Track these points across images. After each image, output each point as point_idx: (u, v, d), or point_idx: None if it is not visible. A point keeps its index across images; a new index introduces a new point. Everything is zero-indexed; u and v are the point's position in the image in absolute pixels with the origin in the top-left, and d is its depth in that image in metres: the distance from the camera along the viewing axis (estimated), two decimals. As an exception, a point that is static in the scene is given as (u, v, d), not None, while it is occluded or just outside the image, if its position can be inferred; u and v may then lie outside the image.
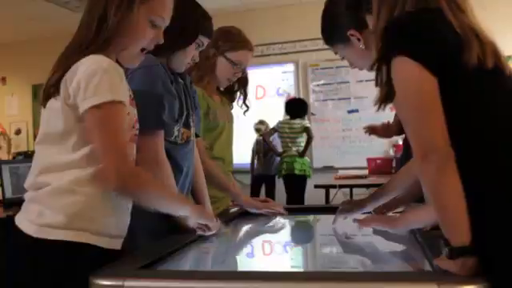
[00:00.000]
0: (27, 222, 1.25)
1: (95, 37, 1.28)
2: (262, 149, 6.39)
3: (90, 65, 1.23)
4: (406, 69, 1.08)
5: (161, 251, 1.33)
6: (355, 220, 1.64)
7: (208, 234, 1.55)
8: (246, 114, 2.45)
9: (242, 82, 2.40)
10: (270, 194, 6.26)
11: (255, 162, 6.46)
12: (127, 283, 1.07)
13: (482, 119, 1.09)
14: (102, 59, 1.24)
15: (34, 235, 1.22)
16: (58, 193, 1.24)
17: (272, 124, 6.21)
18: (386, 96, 1.16)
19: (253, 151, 6.51)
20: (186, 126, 1.80)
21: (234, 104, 2.46)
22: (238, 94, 2.43)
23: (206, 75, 2.24)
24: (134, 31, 1.31)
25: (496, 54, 1.13)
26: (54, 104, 1.27)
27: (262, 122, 6.41)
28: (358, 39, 1.53)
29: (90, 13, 1.31)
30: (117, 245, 1.32)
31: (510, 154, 1.06)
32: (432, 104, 1.06)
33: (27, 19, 6.76)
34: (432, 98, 1.06)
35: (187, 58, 1.76)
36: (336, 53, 1.67)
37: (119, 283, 1.07)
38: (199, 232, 1.54)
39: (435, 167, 1.02)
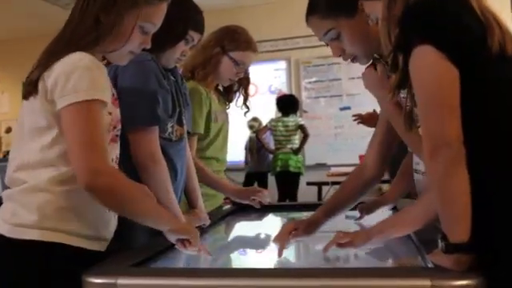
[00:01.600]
0: (1, 221, 1.23)
1: (87, 35, 1.26)
2: (255, 146, 6.40)
3: (70, 61, 1.20)
4: (428, 59, 1.04)
5: (154, 249, 1.33)
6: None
7: (189, 250, 1.32)
8: (237, 111, 2.44)
9: (244, 83, 2.37)
10: None
11: (248, 159, 6.47)
12: (120, 281, 1.06)
13: (501, 109, 1.07)
14: (84, 56, 1.22)
15: (7, 235, 1.20)
16: (32, 191, 1.22)
17: (264, 122, 6.22)
18: (400, 83, 1.13)
19: (246, 148, 6.51)
20: (179, 122, 1.80)
21: (231, 103, 2.44)
22: (237, 94, 2.40)
23: (209, 74, 2.23)
24: (123, 35, 1.29)
25: None
26: (33, 99, 1.24)
27: (255, 119, 6.41)
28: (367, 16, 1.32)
29: (85, 12, 1.28)
30: (97, 246, 1.28)
31: None
32: (451, 98, 1.03)
33: (17, 17, 6.72)
34: (452, 92, 1.03)
35: (176, 54, 1.74)
36: (328, 30, 1.43)
37: (112, 281, 1.06)
38: (179, 247, 1.34)
39: (446, 162, 1.00)
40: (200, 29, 1.78)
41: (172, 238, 1.32)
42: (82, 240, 1.24)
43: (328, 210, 1.55)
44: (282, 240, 1.44)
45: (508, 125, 1.06)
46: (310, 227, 1.50)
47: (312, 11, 1.46)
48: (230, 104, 2.43)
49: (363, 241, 1.31)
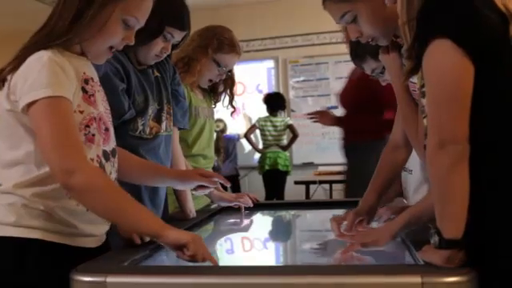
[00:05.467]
0: None
1: (67, 30, 1.24)
2: (224, 147, 6.21)
3: (29, 61, 1.19)
4: (446, 54, 1.03)
5: (145, 246, 1.32)
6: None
7: (187, 259, 1.16)
8: (224, 110, 2.43)
9: (229, 84, 2.37)
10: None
11: (219, 162, 6.14)
12: (109, 279, 1.05)
13: None
14: (43, 54, 1.20)
15: None
16: (4, 193, 1.22)
17: (253, 120, 6.20)
18: (413, 69, 1.12)
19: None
20: (157, 120, 1.78)
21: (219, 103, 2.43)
22: (223, 94, 2.39)
23: (190, 72, 2.21)
24: (105, 28, 1.26)
25: None
26: (1, 98, 1.24)
27: (220, 120, 6.25)
28: None
29: (65, 5, 1.26)
30: (82, 243, 1.27)
31: None
32: (464, 95, 1.02)
33: (1, 13, 6.64)
34: (466, 89, 1.03)
35: (153, 50, 1.69)
36: (345, 13, 1.38)
37: (101, 279, 1.05)
38: (178, 256, 1.18)
39: (451, 158, 1.00)
40: (180, 25, 1.70)
41: (166, 244, 1.19)
42: (60, 236, 1.23)
43: (378, 190, 1.56)
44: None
45: None
46: (370, 213, 1.53)
47: None
48: (216, 104, 2.42)
49: (388, 237, 1.28)
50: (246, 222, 1.99)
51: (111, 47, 1.32)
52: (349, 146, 3.37)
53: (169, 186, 1.80)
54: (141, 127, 1.71)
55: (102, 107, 1.34)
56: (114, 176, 1.36)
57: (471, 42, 1.02)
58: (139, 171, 1.56)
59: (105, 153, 1.32)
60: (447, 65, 1.03)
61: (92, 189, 1.16)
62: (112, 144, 1.36)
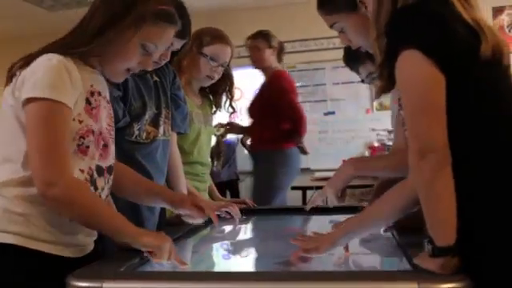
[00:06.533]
0: None
1: (86, 43, 1.25)
2: (224, 151, 6.20)
3: (39, 61, 1.20)
4: (415, 64, 1.05)
5: (140, 252, 1.31)
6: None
7: (154, 261, 1.27)
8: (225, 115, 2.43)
9: (227, 83, 2.35)
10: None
11: (219, 167, 6.20)
12: (106, 285, 1.05)
13: (487, 114, 1.08)
14: (54, 56, 1.21)
15: None
16: None
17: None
18: (386, 87, 1.15)
19: (212, 156, 6.11)
20: (154, 124, 1.77)
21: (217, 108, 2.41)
22: (224, 97, 2.37)
23: (184, 74, 2.21)
24: (124, 51, 1.28)
25: (501, 47, 1.11)
26: (6, 93, 1.24)
27: (221, 125, 6.22)
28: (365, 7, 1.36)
29: (91, 19, 1.28)
30: (66, 252, 1.25)
31: None
32: (438, 104, 1.04)
33: (0, 17, 6.63)
34: (439, 97, 1.04)
35: (151, 58, 1.70)
36: (333, 24, 1.53)
37: (97, 285, 1.05)
38: (146, 255, 1.28)
39: (432, 167, 1.01)
40: (180, 34, 1.70)
41: (138, 247, 1.27)
42: (37, 243, 1.21)
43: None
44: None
45: (496, 130, 1.07)
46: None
47: (318, 7, 1.57)
48: (217, 109, 2.40)
49: (328, 245, 1.30)
50: (241, 227, 1.98)
51: (128, 69, 1.33)
52: (253, 154, 3.81)
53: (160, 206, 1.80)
54: (137, 132, 1.71)
55: (105, 123, 1.33)
56: (105, 192, 1.35)
57: (440, 53, 1.04)
58: (133, 189, 1.56)
59: (99, 168, 1.31)
60: (417, 75, 1.05)
61: (68, 202, 1.18)
62: (110, 161, 1.36)
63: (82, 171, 1.26)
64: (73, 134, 1.23)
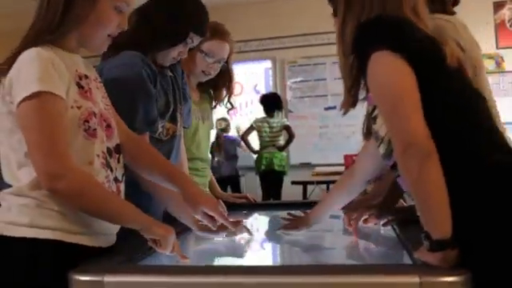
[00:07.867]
0: None
1: (58, 26, 1.23)
2: (224, 146, 6.23)
3: (20, 60, 1.19)
4: (387, 62, 1.08)
5: (142, 246, 1.31)
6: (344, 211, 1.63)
7: (159, 250, 1.28)
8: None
9: (226, 79, 2.31)
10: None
11: (220, 163, 6.18)
12: (107, 278, 1.05)
13: (458, 115, 1.12)
14: (31, 51, 1.19)
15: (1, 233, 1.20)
16: (18, 193, 1.21)
17: (250, 121, 6.20)
18: (352, 103, 1.22)
19: (212, 151, 6.02)
20: (173, 120, 1.76)
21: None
22: (224, 92, 2.34)
23: (186, 70, 2.19)
24: (100, 19, 1.27)
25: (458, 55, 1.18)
26: None
27: (224, 119, 6.25)
28: None
29: (49, 3, 1.24)
30: (89, 242, 1.25)
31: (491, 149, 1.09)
32: (412, 98, 1.06)
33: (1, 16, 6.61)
34: (412, 91, 1.06)
35: (173, 54, 1.71)
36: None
37: (98, 279, 1.05)
38: (150, 244, 1.29)
39: (416, 161, 1.01)
40: (202, 32, 1.72)
41: (146, 236, 1.28)
42: (74, 236, 1.21)
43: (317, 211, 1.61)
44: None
45: (461, 129, 1.11)
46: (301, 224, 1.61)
47: None
48: (217, 103, 2.39)
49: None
50: (246, 220, 1.98)
51: (109, 35, 1.32)
52: None
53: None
54: (160, 129, 1.71)
55: (102, 104, 1.33)
56: (120, 172, 1.35)
57: (406, 47, 1.08)
58: (148, 168, 1.49)
59: (108, 149, 1.31)
60: (387, 71, 1.08)
61: (78, 193, 1.17)
62: (115, 140, 1.35)
63: (98, 156, 1.26)
64: (76, 121, 1.22)
